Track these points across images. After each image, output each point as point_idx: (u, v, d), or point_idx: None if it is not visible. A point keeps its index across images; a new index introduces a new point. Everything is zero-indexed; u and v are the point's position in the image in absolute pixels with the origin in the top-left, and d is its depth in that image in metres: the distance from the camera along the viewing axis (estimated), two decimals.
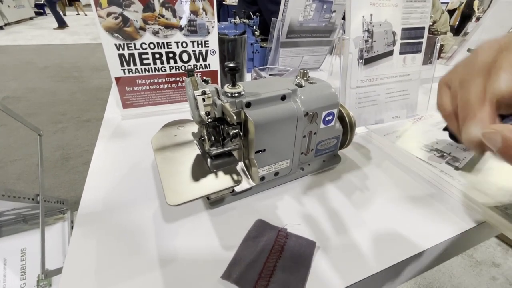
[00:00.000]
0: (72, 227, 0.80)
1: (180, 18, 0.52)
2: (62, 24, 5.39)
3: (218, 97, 0.32)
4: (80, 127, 2.23)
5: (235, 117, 0.28)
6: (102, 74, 3.40)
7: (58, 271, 0.67)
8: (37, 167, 1.76)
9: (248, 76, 0.79)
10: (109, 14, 0.48)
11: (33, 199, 0.65)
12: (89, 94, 2.83)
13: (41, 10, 7.54)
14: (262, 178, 0.37)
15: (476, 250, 1.38)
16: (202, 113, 0.31)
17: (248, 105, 0.32)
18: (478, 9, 4.75)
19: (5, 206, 0.60)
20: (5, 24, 5.86)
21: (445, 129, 0.34)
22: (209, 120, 0.32)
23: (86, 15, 8.32)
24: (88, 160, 1.90)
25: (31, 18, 7.09)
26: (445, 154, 0.46)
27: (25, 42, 4.74)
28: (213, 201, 0.35)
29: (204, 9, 0.53)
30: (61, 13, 5.36)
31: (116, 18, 0.48)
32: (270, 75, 0.68)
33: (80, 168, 1.77)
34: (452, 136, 0.33)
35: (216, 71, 0.60)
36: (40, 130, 0.71)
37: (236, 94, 0.31)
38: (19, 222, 0.73)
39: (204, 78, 0.33)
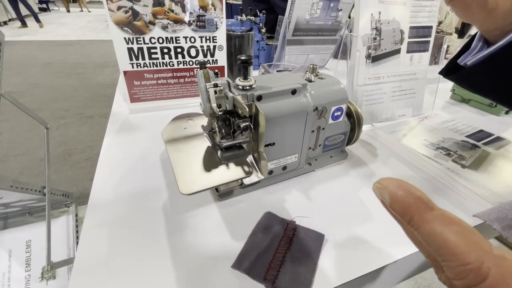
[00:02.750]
0: (76, 220, 0.81)
1: (191, 13, 0.52)
2: (24, 24, 5.54)
3: (230, 90, 0.32)
4: (83, 123, 2.24)
5: (247, 109, 0.28)
6: (105, 71, 3.40)
7: (63, 263, 0.67)
8: (39, 161, 1.77)
9: (255, 73, 0.80)
10: (119, 8, 0.48)
11: (39, 191, 0.65)
12: (92, 91, 2.83)
13: (45, 6, 7.55)
14: (271, 172, 0.37)
15: None
16: (214, 105, 0.31)
17: (259, 98, 0.32)
18: None
19: (12, 198, 0.60)
20: (9, 20, 5.87)
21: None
22: (220, 113, 0.32)
23: (89, 11, 8.33)
24: (91, 156, 1.89)
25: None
26: (451, 152, 0.46)
27: (29, 37, 4.75)
28: (222, 193, 0.35)
29: (213, 5, 0.53)
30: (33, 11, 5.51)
31: (126, 12, 0.49)
32: (276, 71, 0.68)
33: (82, 164, 1.78)
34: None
35: (223, 66, 0.60)
36: (47, 123, 0.71)
37: (248, 87, 0.32)
38: (24, 215, 0.73)
39: (216, 71, 0.33)
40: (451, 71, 0.31)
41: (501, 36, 0.26)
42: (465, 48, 0.31)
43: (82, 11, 8.41)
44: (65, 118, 2.29)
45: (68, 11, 8.06)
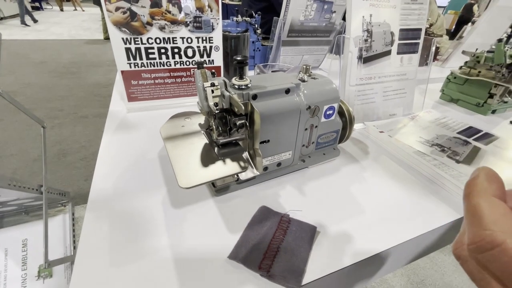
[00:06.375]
0: (73, 219, 0.81)
1: (187, 14, 0.53)
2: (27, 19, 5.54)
3: (226, 89, 0.33)
4: (77, 123, 2.22)
5: (243, 107, 0.30)
6: (99, 70, 3.37)
7: (60, 261, 0.67)
8: (32, 162, 1.75)
9: (250, 73, 0.81)
10: (117, 9, 0.49)
11: (36, 190, 0.66)
12: (86, 90, 2.80)
13: (38, 5, 7.46)
14: (265, 168, 0.39)
15: None
16: (211, 103, 0.32)
17: (254, 97, 0.33)
18: (478, 14, 4.82)
19: (8, 196, 0.60)
20: (1, 18, 5.79)
21: None
22: (217, 111, 0.33)
23: (83, 10, 8.25)
24: (86, 156, 1.88)
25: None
26: (445, 148, 0.48)
27: (22, 36, 4.69)
28: (219, 188, 0.36)
29: (209, 6, 0.55)
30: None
31: (124, 12, 0.50)
32: (272, 71, 0.69)
33: (77, 164, 1.76)
34: None
35: (220, 67, 0.62)
36: (43, 122, 0.72)
37: (243, 87, 0.33)
38: (20, 214, 0.73)
39: (213, 71, 0.34)
40: None
41: None
42: None
43: (76, 10, 8.33)
44: (59, 118, 2.27)
45: (62, 10, 7.98)
